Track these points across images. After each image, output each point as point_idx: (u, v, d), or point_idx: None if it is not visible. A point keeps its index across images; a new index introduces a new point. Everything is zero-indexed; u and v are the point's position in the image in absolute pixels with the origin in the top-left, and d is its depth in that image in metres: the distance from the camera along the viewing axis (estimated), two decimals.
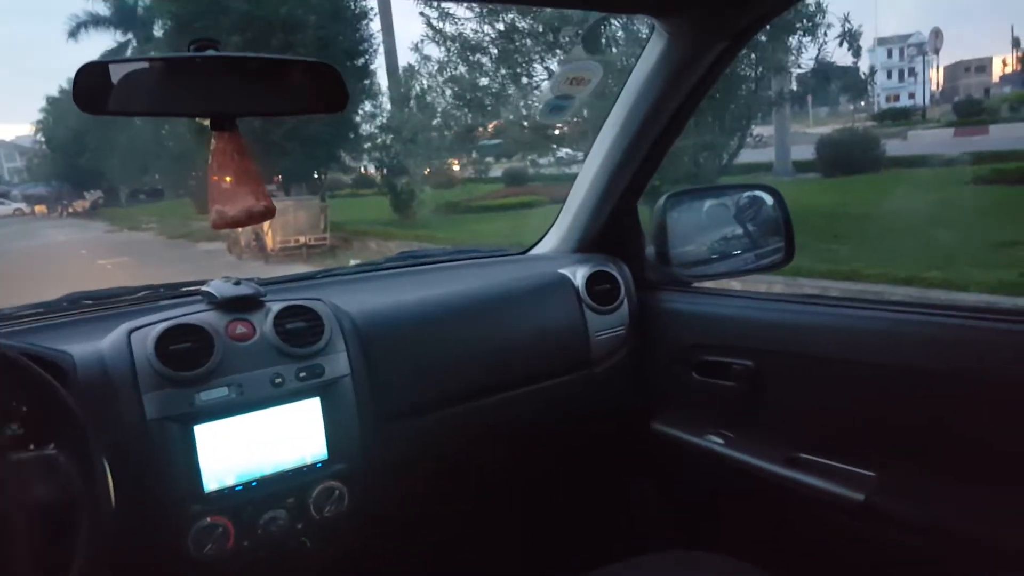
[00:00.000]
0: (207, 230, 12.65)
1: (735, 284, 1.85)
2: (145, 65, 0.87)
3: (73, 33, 19.00)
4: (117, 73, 0.85)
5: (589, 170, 1.64)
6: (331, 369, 1.18)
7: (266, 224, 9.62)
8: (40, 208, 28.52)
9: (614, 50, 8.06)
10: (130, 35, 18.16)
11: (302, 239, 9.87)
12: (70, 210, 26.10)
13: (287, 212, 9.76)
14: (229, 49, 0.89)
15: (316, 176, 14.04)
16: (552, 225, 1.79)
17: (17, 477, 0.77)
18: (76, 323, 1.23)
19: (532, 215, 11.05)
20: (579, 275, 1.57)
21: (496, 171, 17.57)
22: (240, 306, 1.18)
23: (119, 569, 1.03)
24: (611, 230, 1.67)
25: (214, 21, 11.03)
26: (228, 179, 0.94)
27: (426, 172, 13.37)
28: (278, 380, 1.13)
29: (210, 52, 0.88)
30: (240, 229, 10.37)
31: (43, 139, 26.73)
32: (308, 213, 10.08)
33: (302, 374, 1.15)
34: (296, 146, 11.89)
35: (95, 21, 18.80)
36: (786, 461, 1.30)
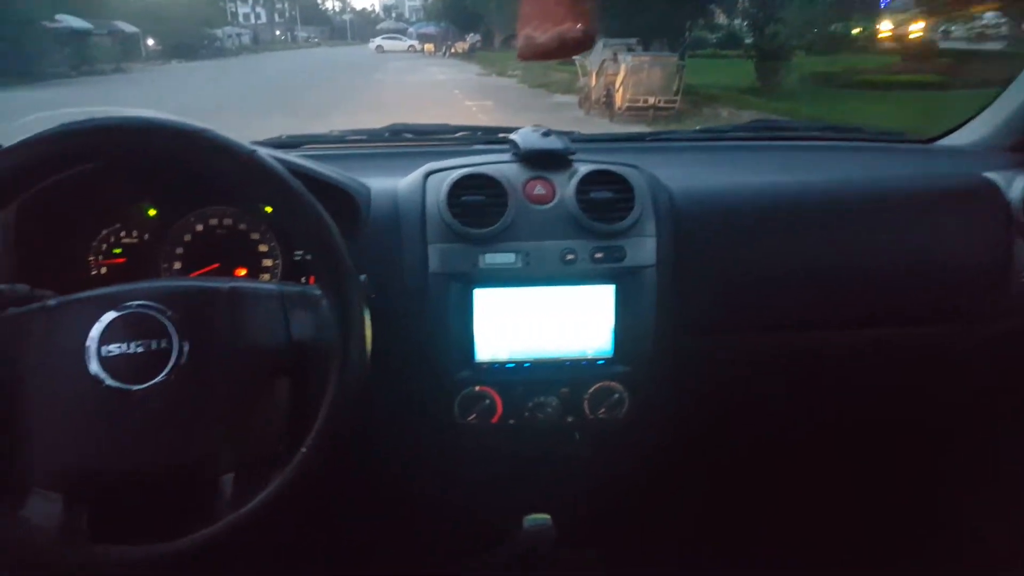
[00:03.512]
0: (564, 82, 13.01)
1: None
2: None
3: None
4: None
5: None
6: (634, 255, 0.96)
7: (619, 80, 9.48)
8: (428, 47, 32.18)
9: None
10: None
11: (651, 99, 9.41)
12: (452, 50, 28.97)
13: (641, 69, 9.35)
14: None
15: (680, 32, 13.24)
16: (982, 109, 1.25)
17: (278, 308, 0.73)
18: (390, 155, 1.20)
19: (934, 100, 8.95)
20: (1018, 185, 1.06)
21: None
22: (544, 162, 1.00)
23: (382, 422, 1.01)
24: None
25: None
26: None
27: (805, 33, 11.67)
28: (569, 257, 0.95)
29: None
30: (592, 83, 10.44)
31: None
32: (663, 72, 9.51)
33: (598, 255, 0.96)
34: None
35: None
36: None
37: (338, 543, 1.22)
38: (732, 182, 1.10)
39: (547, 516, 1.05)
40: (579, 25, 0.71)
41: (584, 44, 0.73)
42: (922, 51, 13.11)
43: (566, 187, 0.98)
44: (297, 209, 0.71)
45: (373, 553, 1.23)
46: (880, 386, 1.20)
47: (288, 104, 10.54)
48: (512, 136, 1.03)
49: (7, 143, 1.09)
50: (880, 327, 1.11)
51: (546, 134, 1.02)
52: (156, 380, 0.66)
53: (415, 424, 1.04)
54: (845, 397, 1.22)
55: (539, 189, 0.98)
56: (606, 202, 0.97)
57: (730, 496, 1.34)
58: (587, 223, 0.96)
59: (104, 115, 0.67)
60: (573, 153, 1.01)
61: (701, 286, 1.03)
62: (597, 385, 1.00)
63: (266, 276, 1.06)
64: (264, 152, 0.71)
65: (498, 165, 1.00)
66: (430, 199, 0.97)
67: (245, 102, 11.52)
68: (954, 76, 10.19)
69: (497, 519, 1.08)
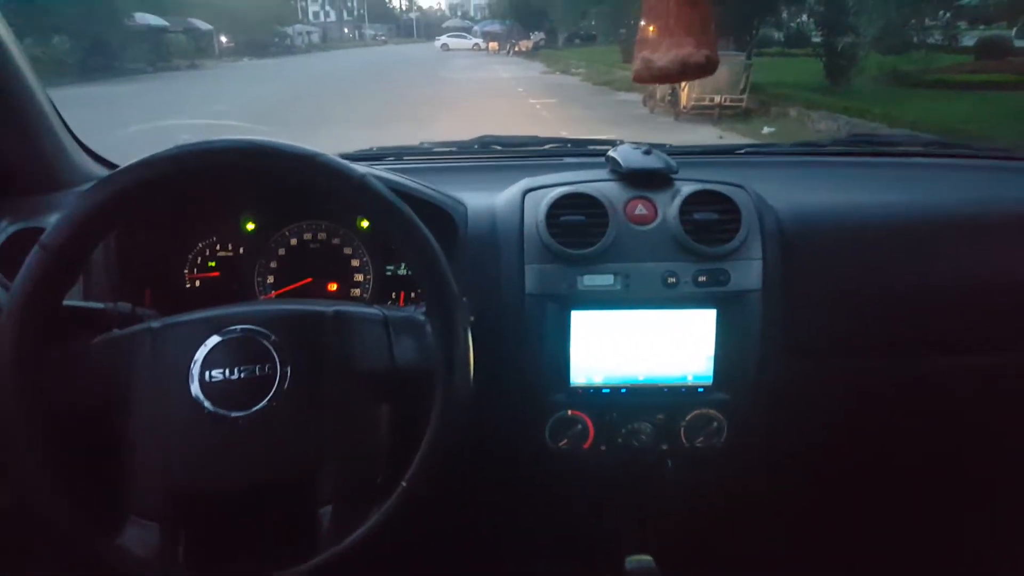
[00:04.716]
0: (627, 80, 12.84)
1: None
2: None
3: None
4: None
5: None
6: (738, 279, 0.93)
7: None
8: (493, 45, 32.43)
9: None
10: None
11: (717, 99, 9.19)
12: (516, 48, 29.06)
13: None
14: None
15: (747, 30, 12.89)
16: None
17: (382, 333, 0.72)
18: (480, 169, 1.19)
19: (1011, 102, 8.48)
20: None
21: (968, 40, 14.01)
22: (646, 181, 0.98)
23: (470, 446, 1.01)
24: None
25: None
26: (662, 21, 0.69)
27: (875, 32, 11.20)
28: (671, 280, 0.93)
29: None
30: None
31: None
32: (729, 71, 9.26)
33: (701, 278, 0.93)
34: None
35: None
36: None
37: (424, 572, 1.21)
38: (837, 200, 1.05)
39: (649, 557, 1.02)
40: (703, 50, 0.69)
41: (706, 70, 0.71)
42: (997, 50, 12.46)
43: (669, 207, 0.95)
44: (406, 234, 0.71)
45: None
46: (990, 414, 1.14)
47: (355, 104, 10.81)
48: (611, 153, 1.01)
49: (109, 154, 1.14)
50: (993, 354, 1.05)
51: (647, 152, 1.00)
52: (257, 407, 0.66)
53: (504, 448, 1.03)
54: (953, 424, 1.15)
55: (640, 209, 0.95)
56: (711, 223, 0.94)
57: (829, 527, 1.28)
58: (690, 245, 0.93)
59: (218, 138, 0.67)
60: (676, 172, 0.98)
61: (804, 308, 0.99)
62: (695, 412, 0.97)
63: (356, 291, 1.07)
64: (374, 176, 0.71)
65: (597, 184, 0.98)
66: (528, 218, 0.96)
67: (318, 99, 11.84)
68: None
69: (592, 549, 1.06)
